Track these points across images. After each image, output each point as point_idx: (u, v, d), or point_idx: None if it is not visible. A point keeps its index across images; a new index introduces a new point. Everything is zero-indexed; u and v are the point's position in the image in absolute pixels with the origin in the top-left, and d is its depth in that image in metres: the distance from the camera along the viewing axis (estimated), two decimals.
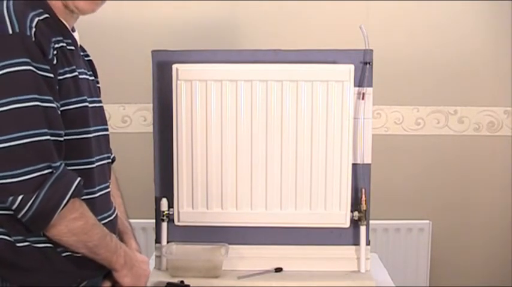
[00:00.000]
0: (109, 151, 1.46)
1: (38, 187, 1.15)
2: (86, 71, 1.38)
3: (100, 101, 1.44)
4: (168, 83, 1.75)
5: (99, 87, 1.50)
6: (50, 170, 1.17)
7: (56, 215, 1.18)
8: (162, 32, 2.51)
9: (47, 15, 1.24)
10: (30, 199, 1.15)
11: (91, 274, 1.33)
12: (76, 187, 1.21)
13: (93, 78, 1.44)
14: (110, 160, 1.47)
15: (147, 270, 1.44)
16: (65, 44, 1.27)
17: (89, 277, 1.33)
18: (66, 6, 1.30)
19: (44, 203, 1.16)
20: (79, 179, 1.22)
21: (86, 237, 1.25)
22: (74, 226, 1.22)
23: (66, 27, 1.31)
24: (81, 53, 1.41)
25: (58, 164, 1.19)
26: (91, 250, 1.27)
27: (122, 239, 1.48)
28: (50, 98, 1.19)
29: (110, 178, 1.45)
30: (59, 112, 1.22)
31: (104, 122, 1.43)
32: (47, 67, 1.19)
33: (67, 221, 1.21)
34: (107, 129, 1.44)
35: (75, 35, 1.37)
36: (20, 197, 1.14)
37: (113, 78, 2.35)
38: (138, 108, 2.60)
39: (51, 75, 1.20)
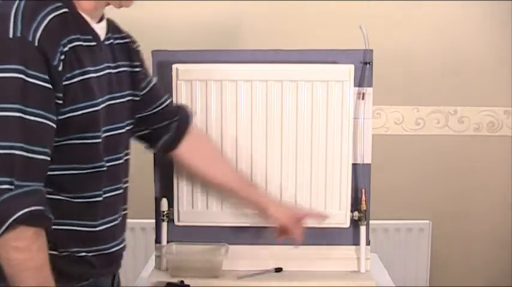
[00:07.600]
0: (129, 147, 1.40)
1: None
2: (109, 64, 1.30)
3: (123, 97, 1.35)
4: (168, 83, 1.75)
5: (137, 71, 1.43)
6: (8, 186, 1.07)
7: None
8: (162, 32, 2.51)
9: (65, 10, 1.18)
10: None
11: (93, 273, 1.31)
12: (32, 213, 1.08)
13: (122, 69, 1.36)
14: (128, 157, 1.40)
15: None
16: (80, 43, 1.20)
17: (91, 277, 1.31)
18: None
19: None
20: (42, 207, 1.10)
21: (16, 276, 1.11)
22: (11, 256, 1.10)
23: (86, 22, 1.25)
24: (112, 41, 1.34)
25: (25, 183, 1.09)
26: (11, 279, 1.12)
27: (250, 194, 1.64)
28: (39, 112, 1.11)
29: (125, 177, 1.39)
30: (53, 126, 1.14)
31: (122, 119, 1.35)
32: (46, 77, 1.12)
33: (7, 247, 1.09)
34: (123, 128, 1.35)
35: (101, 25, 1.30)
36: None
37: None
38: None
39: (49, 85, 1.12)
